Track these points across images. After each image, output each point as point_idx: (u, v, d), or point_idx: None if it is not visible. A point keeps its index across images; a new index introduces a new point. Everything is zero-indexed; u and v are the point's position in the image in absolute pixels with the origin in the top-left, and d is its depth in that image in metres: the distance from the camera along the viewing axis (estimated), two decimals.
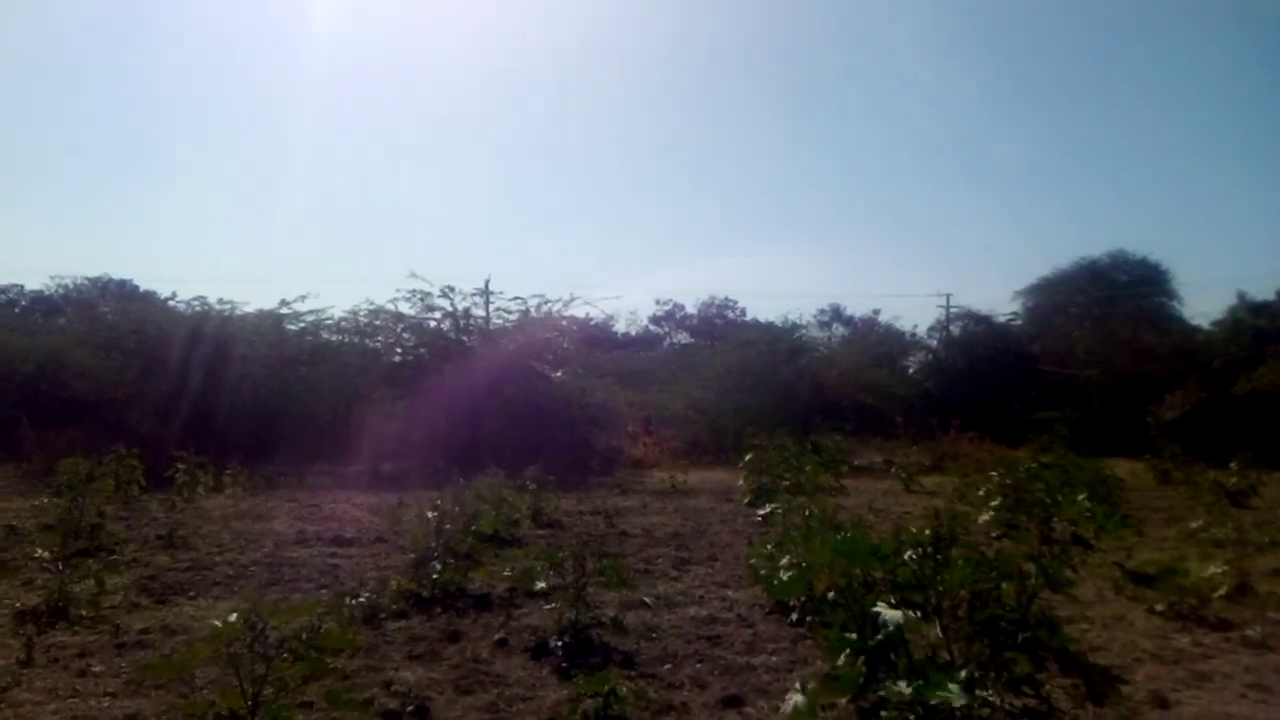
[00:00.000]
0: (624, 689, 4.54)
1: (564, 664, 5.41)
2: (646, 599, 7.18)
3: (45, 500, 10.37)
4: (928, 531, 4.22)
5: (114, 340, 21.02)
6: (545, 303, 22.87)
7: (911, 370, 33.16)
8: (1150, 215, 72.52)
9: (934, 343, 38.69)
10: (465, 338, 22.29)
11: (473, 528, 9.13)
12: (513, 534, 10.24)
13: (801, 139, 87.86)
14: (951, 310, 40.98)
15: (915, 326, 42.98)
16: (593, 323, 26.91)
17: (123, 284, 44.41)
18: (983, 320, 38.34)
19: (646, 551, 9.59)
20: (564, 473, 15.12)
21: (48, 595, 6.54)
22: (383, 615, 6.46)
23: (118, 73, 79.96)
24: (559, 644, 5.71)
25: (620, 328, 58.66)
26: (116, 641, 5.83)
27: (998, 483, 11.50)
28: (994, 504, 11.26)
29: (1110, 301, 36.18)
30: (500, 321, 23.03)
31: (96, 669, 5.26)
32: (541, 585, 7.05)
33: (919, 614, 4.02)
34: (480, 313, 23.04)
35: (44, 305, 46.52)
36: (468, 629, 6.24)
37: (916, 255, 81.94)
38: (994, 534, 10.34)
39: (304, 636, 3.63)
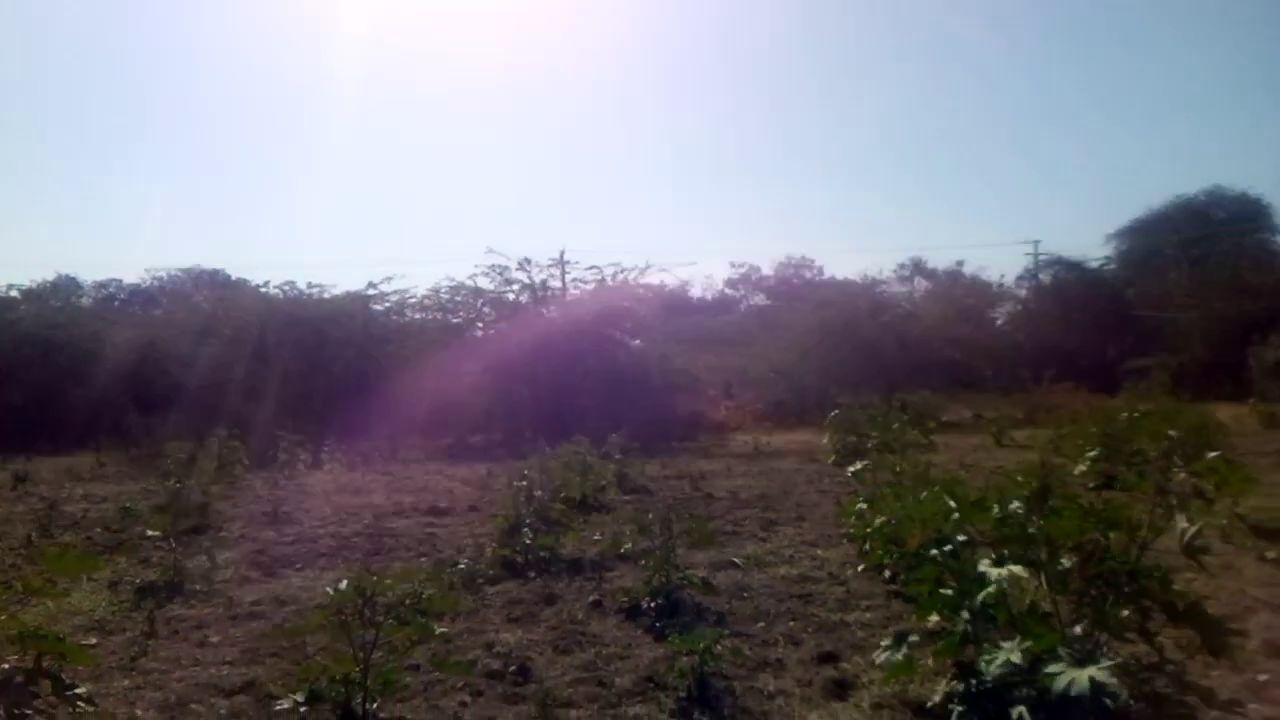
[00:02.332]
0: (720, 647, 4.58)
1: (657, 624, 5.48)
2: (736, 560, 7.21)
3: (155, 483, 10.86)
4: (1034, 482, 4.12)
5: (211, 327, 21.84)
6: (621, 271, 22.96)
7: (1000, 322, 32.21)
8: (1249, 147, 68.62)
9: (1023, 292, 37.50)
10: (544, 309, 22.52)
11: (561, 495, 9.29)
12: (600, 500, 10.37)
13: (871, 85, 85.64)
14: (1040, 258, 39.68)
15: (1002, 276, 41.66)
16: (668, 289, 26.87)
17: (215, 273, 46.06)
18: (1074, 266, 36.99)
19: (733, 513, 9.61)
20: (647, 439, 15.20)
21: (164, 571, 6.90)
22: (480, 580, 6.63)
23: (191, 67, 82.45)
24: (651, 605, 5.79)
25: (696, 292, 58.36)
26: (230, 613, 6.09)
27: (1096, 434, 11.16)
28: (1091, 455, 10.94)
29: (1208, 241, 34.51)
30: (577, 291, 23.18)
31: (214, 639, 5.52)
32: (630, 547, 7.16)
33: (1022, 568, 3.94)
34: (557, 284, 23.22)
35: (141, 297, 48.54)
36: (562, 592, 6.37)
37: (1000, 202, 79.49)
38: (1090, 485, 10.07)
39: (408, 602, 3.75)
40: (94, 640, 5.49)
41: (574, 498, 9.72)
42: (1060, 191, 76.64)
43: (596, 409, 19.47)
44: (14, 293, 30.56)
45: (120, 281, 51.24)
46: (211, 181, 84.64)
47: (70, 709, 3.28)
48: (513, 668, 4.71)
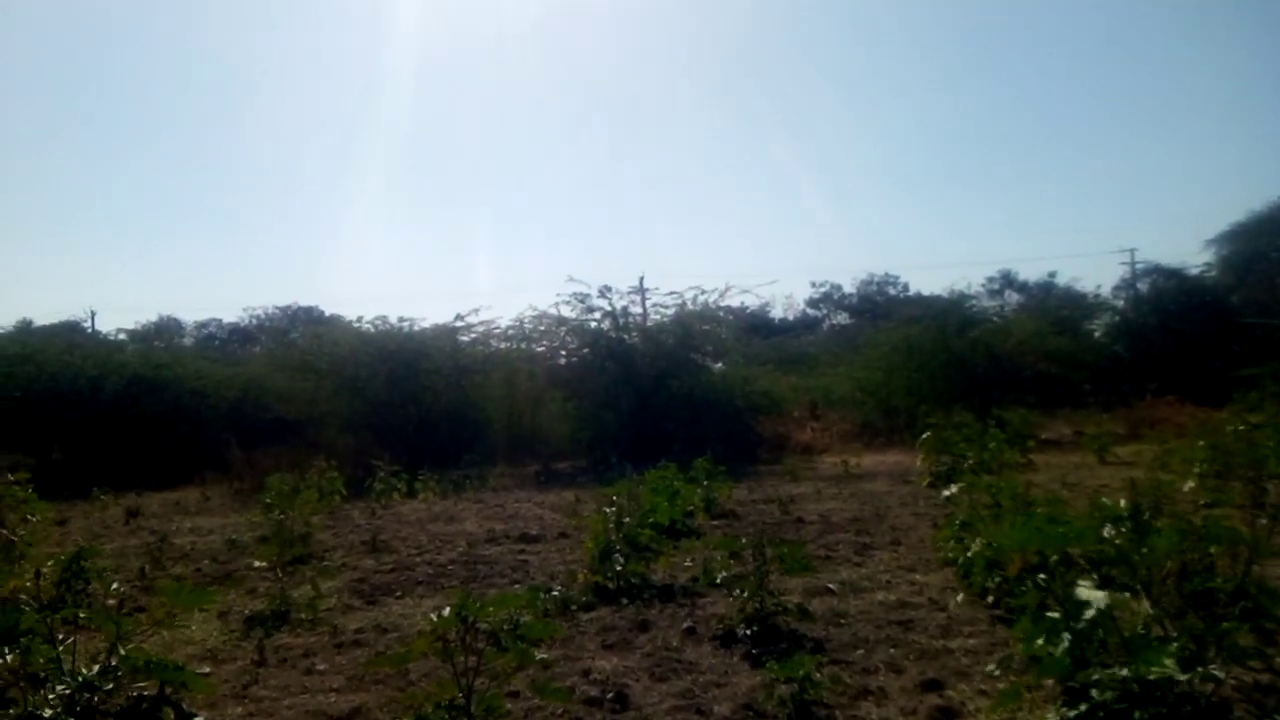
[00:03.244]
0: (819, 674, 4.53)
1: (753, 651, 5.44)
2: (830, 585, 7.11)
3: (258, 515, 11.24)
4: (1124, 503, 3.98)
5: (308, 363, 22.59)
6: (701, 293, 22.96)
7: (1098, 334, 31.02)
8: None
9: (1120, 302, 36.12)
10: (625, 335, 22.65)
11: (649, 520, 9.29)
12: (688, 525, 10.34)
13: (953, 97, 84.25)
14: (1137, 266, 38.26)
15: (1098, 287, 40.24)
16: (749, 310, 26.70)
17: (309, 310, 47.84)
18: (1173, 274, 35.49)
19: (825, 538, 9.48)
20: (733, 462, 15.12)
21: (271, 601, 7.10)
22: (574, 607, 6.69)
23: (280, 114, 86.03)
24: (746, 632, 5.75)
25: (777, 313, 58.12)
26: (335, 641, 6.26)
27: (1203, 447, 10.70)
28: (1198, 470, 10.49)
29: None
30: (658, 317, 23.27)
31: (321, 667, 5.68)
32: (722, 574, 7.11)
33: (1125, 591, 3.80)
34: (638, 310, 23.35)
35: (240, 335, 50.74)
36: (655, 618, 6.36)
37: (1092, 212, 77.15)
38: (1201, 502, 9.64)
39: (506, 629, 3.81)
40: (207, 669, 5.69)
41: (662, 523, 9.71)
42: (1155, 198, 74.00)
43: (681, 433, 19.50)
44: (122, 335, 32.28)
45: (220, 321, 53.66)
46: (302, 222, 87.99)
47: None
48: (610, 695, 4.73)
